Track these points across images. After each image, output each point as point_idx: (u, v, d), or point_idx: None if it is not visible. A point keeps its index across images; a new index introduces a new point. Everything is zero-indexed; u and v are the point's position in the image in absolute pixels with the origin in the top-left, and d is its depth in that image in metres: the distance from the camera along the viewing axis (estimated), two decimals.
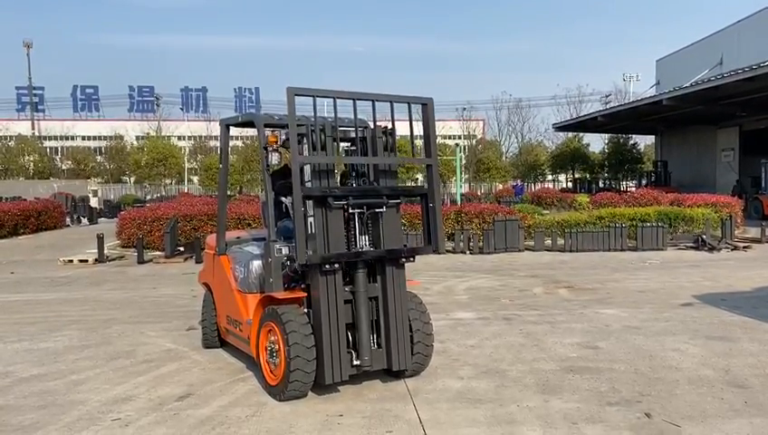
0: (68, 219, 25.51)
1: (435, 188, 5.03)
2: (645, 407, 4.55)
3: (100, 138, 65.94)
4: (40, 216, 21.68)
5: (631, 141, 42.97)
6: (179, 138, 56.75)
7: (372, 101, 4.91)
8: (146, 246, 14.08)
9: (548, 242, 14.75)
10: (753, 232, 17.02)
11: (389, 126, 5.14)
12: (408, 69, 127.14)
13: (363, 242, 4.86)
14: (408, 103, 5.12)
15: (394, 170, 5.13)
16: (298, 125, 5.04)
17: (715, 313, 7.67)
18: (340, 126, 5.12)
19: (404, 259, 4.98)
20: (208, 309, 6.28)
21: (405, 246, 5.11)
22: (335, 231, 4.71)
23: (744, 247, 14.39)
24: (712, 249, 14.01)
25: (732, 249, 14.14)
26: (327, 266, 4.60)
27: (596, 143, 51.40)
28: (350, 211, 4.76)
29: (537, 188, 42.81)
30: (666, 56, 37.15)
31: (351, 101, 4.78)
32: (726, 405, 4.58)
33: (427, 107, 5.07)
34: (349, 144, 5.28)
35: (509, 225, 14.42)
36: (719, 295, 8.69)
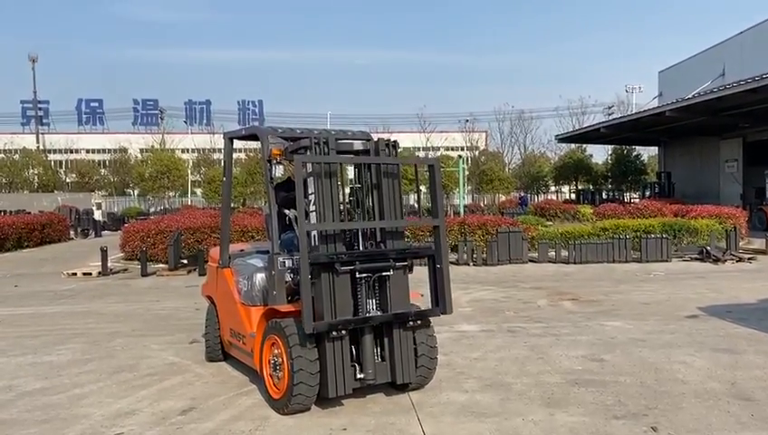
0: (72, 232, 25.56)
1: (443, 248, 4.97)
2: (651, 420, 4.51)
3: (104, 151, 66.38)
4: (44, 229, 21.74)
5: (634, 153, 43.00)
6: (183, 150, 56.94)
7: (379, 164, 4.91)
8: (149, 258, 14.10)
9: (552, 254, 14.71)
10: (758, 243, 16.95)
11: (392, 139, 5.16)
12: (411, 81, 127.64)
13: (370, 306, 4.81)
14: (415, 165, 5.28)
15: (401, 231, 5.07)
16: (301, 138, 5.06)
17: (721, 325, 7.63)
18: (342, 138, 5.14)
19: (411, 322, 4.94)
20: (211, 322, 6.26)
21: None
22: (342, 296, 4.66)
23: (749, 259, 14.33)
24: (716, 261, 13.96)
25: (736, 261, 14.08)
26: (334, 333, 4.56)
27: (599, 154, 51.50)
28: (358, 275, 4.71)
29: (540, 199, 42.81)
30: (668, 68, 37.26)
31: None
32: (733, 418, 4.54)
33: (433, 168, 5.06)
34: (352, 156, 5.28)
35: (512, 236, 14.40)
36: (724, 307, 8.65)
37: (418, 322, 4.95)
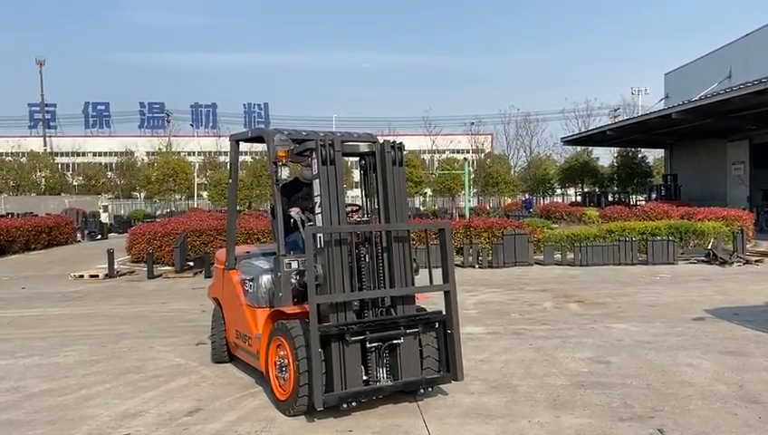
0: (79, 235, 25.66)
1: (453, 314, 4.93)
2: (657, 423, 4.50)
3: (110, 154, 66.74)
4: (51, 231, 21.82)
5: (640, 155, 42.89)
6: (189, 153, 57.15)
7: (390, 231, 4.92)
8: (156, 261, 14.13)
9: (558, 256, 14.68)
10: (765, 246, 16.88)
11: (398, 141, 5.18)
12: (417, 84, 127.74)
13: (381, 374, 4.78)
14: (426, 230, 5.41)
15: (412, 295, 5.04)
16: (307, 140, 5.09)
17: (728, 327, 7.60)
18: (348, 141, 5.16)
19: (422, 390, 4.95)
20: (218, 324, 6.28)
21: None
22: (352, 366, 4.61)
23: (756, 261, 14.26)
24: (723, 263, 13.89)
25: (743, 263, 14.02)
26: (345, 406, 4.54)
27: (605, 157, 51.41)
28: (368, 345, 4.68)
29: (546, 202, 42.74)
30: (674, 70, 37.16)
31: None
32: (740, 421, 4.52)
33: (444, 232, 5.06)
34: (358, 159, 5.30)
35: (518, 239, 14.36)
36: (731, 310, 8.61)
37: (429, 389, 4.99)
